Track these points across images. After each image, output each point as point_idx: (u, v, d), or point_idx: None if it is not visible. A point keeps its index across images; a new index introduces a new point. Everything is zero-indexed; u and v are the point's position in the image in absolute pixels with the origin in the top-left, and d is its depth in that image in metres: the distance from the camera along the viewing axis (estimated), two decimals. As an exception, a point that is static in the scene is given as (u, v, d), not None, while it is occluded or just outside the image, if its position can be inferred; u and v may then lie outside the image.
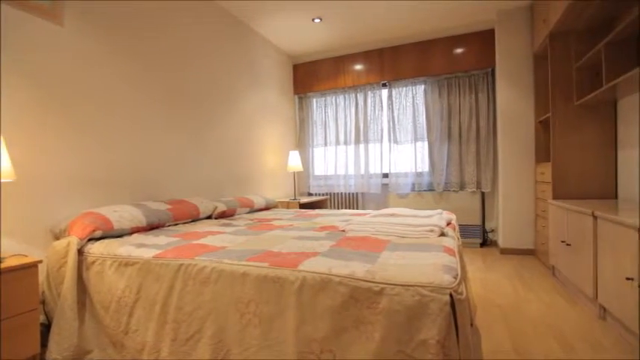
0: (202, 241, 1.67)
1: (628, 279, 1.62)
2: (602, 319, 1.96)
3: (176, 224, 2.23)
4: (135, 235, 1.84)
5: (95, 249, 1.62)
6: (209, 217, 2.58)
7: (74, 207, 1.92)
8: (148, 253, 1.49)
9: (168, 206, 2.21)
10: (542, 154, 3.36)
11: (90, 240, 1.68)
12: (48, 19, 1.81)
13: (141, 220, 1.93)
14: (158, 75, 2.54)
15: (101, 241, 1.69)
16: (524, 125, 3.48)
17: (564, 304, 2.21)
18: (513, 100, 3.50)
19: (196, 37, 2.93)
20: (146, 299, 1.41)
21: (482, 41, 3.78)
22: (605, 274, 1.87)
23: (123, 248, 1.57)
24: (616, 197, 2.65)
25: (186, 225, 2.22)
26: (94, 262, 1.58)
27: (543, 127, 3.35)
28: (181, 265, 1.37)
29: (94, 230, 1.66)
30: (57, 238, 1.76)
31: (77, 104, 1.98)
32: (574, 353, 1.61)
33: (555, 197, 2.80)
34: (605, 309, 1.94)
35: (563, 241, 2.47)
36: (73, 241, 1.60)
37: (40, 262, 1.46)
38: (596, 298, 1.99)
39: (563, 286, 2.54)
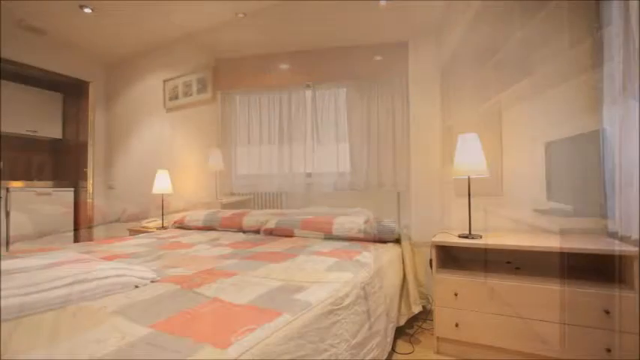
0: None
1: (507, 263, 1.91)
2: (490, 300, 2.29)
3: None
4: None
5: None
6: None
7: None
8: None
9: None
10: (447, 157, 3.77)
11: None
12: None
13: None
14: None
15: None
16: (431, 131, 3.86)
17: (462, 289, 2.52)
18: (423, 108, 3.87)
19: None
20: None
21: (398, 52, 4.08)
22: (492, 260, 2.19)
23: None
24: (502, 195, 3.11)
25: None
26: None
27: (448, 132, 3.77)
28: None
29: None
30: None
31: None
32: (468, 332, 1.84)
33: (457, 195, 3.17)
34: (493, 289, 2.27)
35: (461, 234, 2.81)
36: None
37: None
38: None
39: (462, 274, 2.88)
